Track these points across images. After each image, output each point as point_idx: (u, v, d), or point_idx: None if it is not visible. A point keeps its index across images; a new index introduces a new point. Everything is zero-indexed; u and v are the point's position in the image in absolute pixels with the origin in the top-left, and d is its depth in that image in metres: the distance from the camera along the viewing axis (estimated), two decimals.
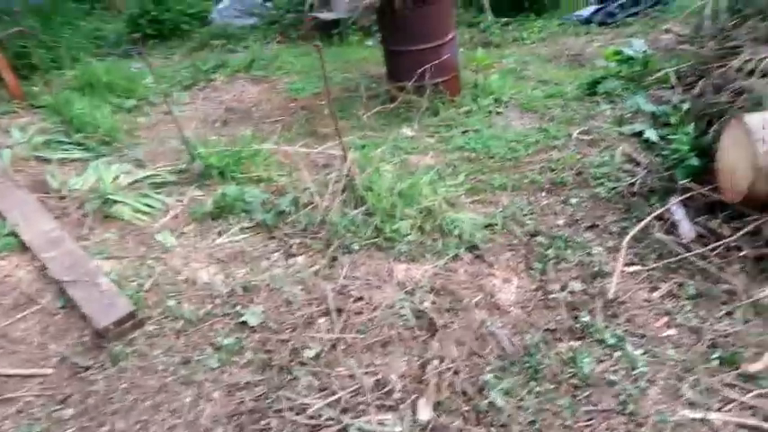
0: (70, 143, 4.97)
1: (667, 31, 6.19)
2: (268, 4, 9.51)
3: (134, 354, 2.65)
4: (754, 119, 2.64)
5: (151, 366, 2.58)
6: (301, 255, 3.21)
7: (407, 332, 2.57)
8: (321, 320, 2.70)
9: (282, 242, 3.34)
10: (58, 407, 2.45)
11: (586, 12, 7.72)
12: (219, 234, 3.50)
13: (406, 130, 4.89)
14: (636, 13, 7.47)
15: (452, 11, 5.35)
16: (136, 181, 4.15)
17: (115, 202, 3.84)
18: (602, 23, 7.43)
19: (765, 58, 3.21)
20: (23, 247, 3.50)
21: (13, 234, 3.58)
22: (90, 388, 2.51)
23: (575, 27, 7.56)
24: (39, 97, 6.26)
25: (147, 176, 4.21)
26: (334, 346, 2.53)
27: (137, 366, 2.59)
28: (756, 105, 3.03)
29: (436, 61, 5.04)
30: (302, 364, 2.47)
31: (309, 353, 2.50)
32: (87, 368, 2.61)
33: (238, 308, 2.84)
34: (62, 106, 5.36)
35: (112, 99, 6.11)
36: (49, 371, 2.64)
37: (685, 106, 3.59)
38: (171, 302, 2.92)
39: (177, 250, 3.37)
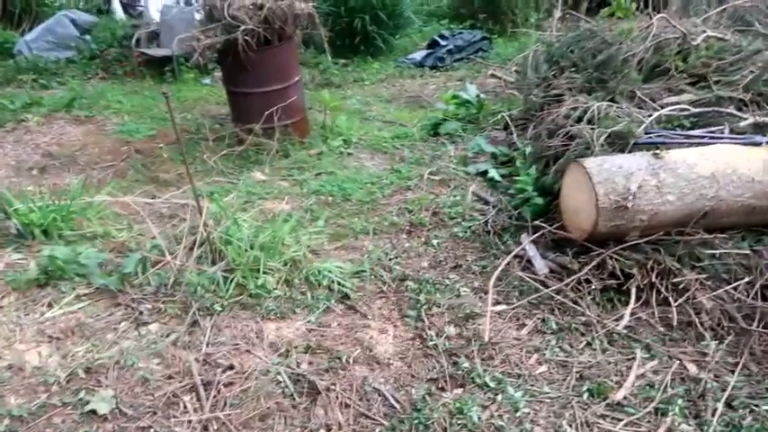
0: None
1: (492, 76, 6.77)
2: (87, 37, 8.70)
3: None
4: (592, 163, 2.92)
5: None
6: (154, 322, 2.86)
7: (287, 400, 2.38)
8: (186, 398, 2.40)
9: (130, 309, 2.96)
10: None
11: (418, 55, 8.19)
12: (50, 305, 3.00)
13: (258, 174, 4.70)
14: (461, 59, 8.09)
15: (297, 53, 5.32)
16: None
17: None
18: (433, 67, 7.94)
19: (589, 106, 3.60)
20: None
21: None
22: None
23: (409, 69, 7.97)
24: None
25: None
26: (205, 428, 2.25)
27: None
28: (586, 149, 3.37)
29: (283, 103, 4.97)
30: None
31: None
32: None
33: (82, 394, 2.42)
34: None
35: None
36: None
37: (528, 149, 3.89)
38: None
39: None
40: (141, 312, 2.91)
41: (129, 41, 8.37)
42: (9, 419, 2.33)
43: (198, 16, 8.54)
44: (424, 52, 8.22)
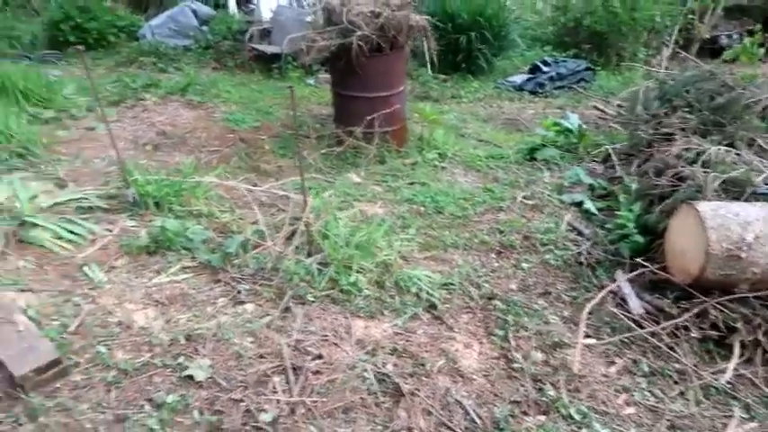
0: None
1: (595, 107, 6.64)
2: (204, 28, 9.23)
3: (56, 408, 2.31)
4: (706, 207, 2.82)
5: (77, 425, 2.26)
6: (251, 302, 3.00)
7: (371, 398, 2.43)
8: (276, 379, 2.50)
9: (229, 286, 3.11)
10: None
11: (518, 79, 8.14)
12: (157, 272, 3.20)
13: (353, 176, 4.82)
14: (562, 87, 7.97)
15: (405, 63, 5.43)
16: (57, 203, 3.75)
17: (33, 225, 3.43)
18: (532, 92, 7.86)
19: (704, 149, 3.48)
20: None
21: None
22: None
23: (508, 92, 7.93)
24: None
25: (71, 199, 3.82)
26: (293, 411, 2.34)
27: (60, 423, 2.25)
28: (696, 192, 3.25)
29: (386, 110, 5.07)
30: (258, 429, 2.25)
31: (266, 417, 2.29)
32: None
33: (181, 359, 2.58)
34: None
35: (28, 108, 5.58)
36: None
37: (633, 185, 3.79)
38: (101, 348, 2.59)
39: (108, 287, 3.04)
40: (239, 291, 3.05)
41: (242, 36, 8.81)
42: (116, 371, 2.51)
43: (309, 18, 8.89)
44: (524, 76, 8.16)
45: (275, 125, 6.12)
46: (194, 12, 9.40)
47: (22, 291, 2.94)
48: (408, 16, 5.03)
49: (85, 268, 3.16)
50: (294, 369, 2.54)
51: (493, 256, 3.66)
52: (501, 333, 2.88)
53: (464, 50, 8.07)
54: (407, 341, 2.78)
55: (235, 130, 5.90)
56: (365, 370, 2.55)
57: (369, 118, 5.03)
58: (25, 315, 2.66)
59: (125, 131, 5.69)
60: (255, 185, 4.57)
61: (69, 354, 2.54)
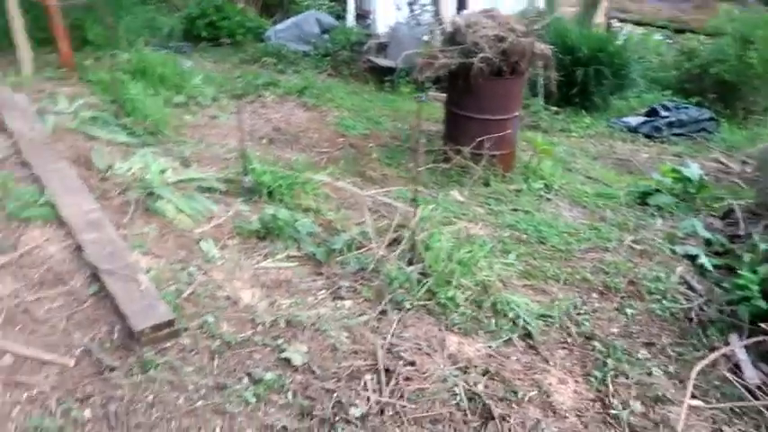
0: (117, 125, 4.84)
1: (716, 160, 6.29)
2: (325, 37, 9.61)
3: (165, 365, 2.45)
4: None
5: (181, 384, 2.38)
6: (349, 299, 3.06)
7: (459, 413, 2.40)
8: (368, 377, 2.53)
9: (330, 281, 3.20)
10: (76, 405, 2.24)
11: (634, 120, 7.85)
12: (265, 257, 3.35)
13: (456, 194, 4.83)
14: (681, 134, 7.60)
15: (522, 89, 5.40)
16: (182, 180, 4.01)
17: (160, 197, 3.68)
18: (647, 135, 7.55)
19: None
20: (59, 222, 3.32)
21: (50, 205, 3.40)
22: (113, 392, 2.30)
23: (621, 132, 7.67)
24: (88, 72, 6.18)
25: (194, 178, 4.07)
26: (382, 411, 2.35)
27: (166, 380, 2.39)
28: None
29: (498, 134, 5.05)
30: (347, 422, 2.29)
31: (355, 411, 2.32)
32: (113, 369, 2.40)
33: (281, 341, 2.67)
34: (115, 87, 5.25)
35: (162, 91, 6.03)
36: (71, 362, 2.43)
37: (763, 246, 3.54)
38: (209, 318, 2.73)
39: (220, 263, 3.21)
40: (340, 287, 3.12)
41: (359, 48, 9.10)
42: (220, 341, 2.63)
43: (426, 37, 9.05)
44: (640, 119, 7.86)
45: (383, 135, 6.26)
46: (318, 21, 9.82)
47: (145, 254, 3.16)
48: (533, 44, 5.01)
49: (202, 243, 3.35)
50: (387, 371, 2.55)
51: (594, 295, 3.53)
52: (599, 375, 2.76)
53: (579, 85, 7.90)
54: (500, 365, 2.73)
55: (345, 135, 6.09)
56: (456, 385, 2.52)
57: (479, 139, 5.03)
58: (147, 276, 2.85)
59: (244, 123, 5.99)
60: (361, 190, 4.68)
61: (181, 318, 2.69)
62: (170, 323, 2.57)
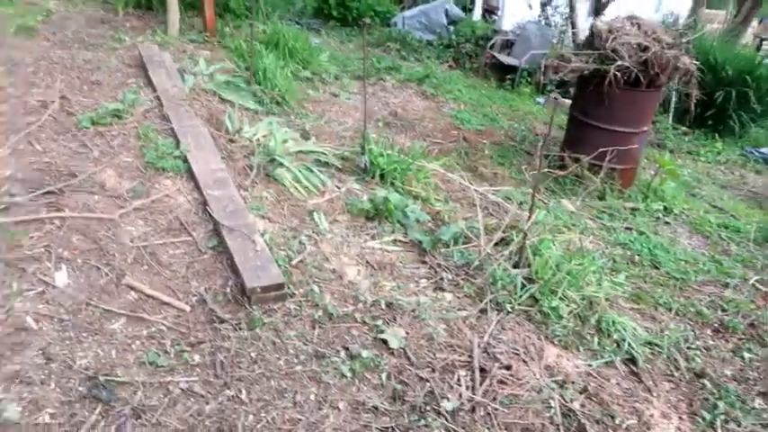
0: (248, 91, 5.07)
1: None
2: (451, 28, 9.56)
3: (270, 326, 2.56)
4: None
5: (283, 346, 2.48)
6: (450, 292, 3.04)
7: (552, 428, 2.33)
8: (462, 372, 2.51)
9: (433, 271, 3.19)
10: (188, 348, 2.39)
11: None
12: (372, 237, 3.40)
13: (568, 204, 4.65)
14: None
15: (657, 103, 5.09)
16: (301, 151, 4.14)
17: (280, 164, 3.82)
18: None
19: None
20: (189, 175, 3.54)
21: (182, 158, 3.63)
22: (222, 343, 2.43)
23: (756, 163, 7.06)
24: (226, 38, 6.51)
25: (313, 151, 4.20)
26: (473, 409, 2.33)
27: (270, 340, 2.49)
28: None
29: (623, 147, 4.78)
30: (438, 413, 2.28)
31: (447, 405, 2.31)
32: (223, 321, 2.54)
33: (379, 322, 2.70)
34: (250, 55, 5.49)
35: (291, 64, 6.24)
36: (187, 308, 2.59)
37: None
38: (315, 288, 2.82)
39: (329, 237, 3.29)
40: (442, 279, 3.11)
41: (484, 42, 8.97)
42: (322, 312, 2.71)
43: (555, 39, 8.75)
44: None
45: (498, 133, 6.14)
46: (446, 11, 9.77)
47: (262, 217, 3.30)
48: (678, 57, 4.69)
49: (315, 214, 3.45)
50: (482, 370, 2.52)
51: (708, 332, 3.29)
52: (708, 417, 2.57)
53: (716, 107, 7.34)
54: (600, 386, 2.61)
55: (459, 128, 6.04)
56: (551, 398, 2.44)
57: (602, 150, 4.79)
58: (262, 238, 2.98)
59: (362, 104, 6.10)
60: (470, 185, 4.62)
61: (289, 283, 2.79)
62: (279, 286, 2.68)
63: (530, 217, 3.20)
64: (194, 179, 3.47)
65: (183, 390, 2.19)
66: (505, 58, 8.47)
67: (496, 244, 3.43)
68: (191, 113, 4.19)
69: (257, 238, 2.94)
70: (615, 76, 4.60)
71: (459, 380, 2.46)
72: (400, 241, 3.41)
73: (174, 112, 4.13)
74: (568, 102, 7.62)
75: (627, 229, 4.42)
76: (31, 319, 2.35)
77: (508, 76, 8.23)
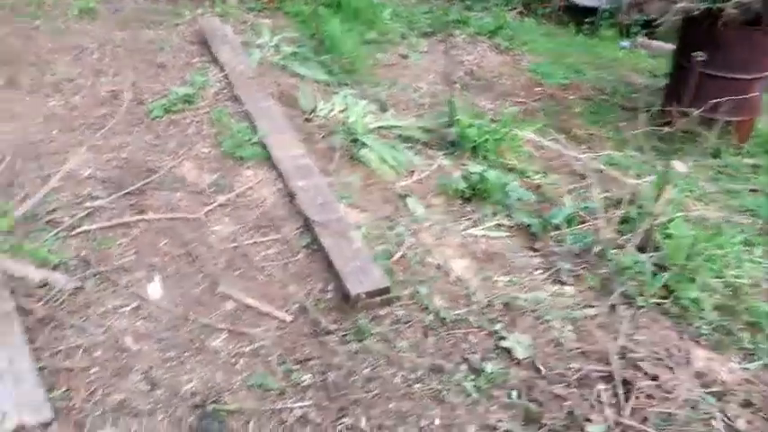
0: (316, 62, 4.75)
1: None
2: None
3: (379, 336, 2.32)
4: None
5: (397, 359, 2.24)
6: (571, 285, 2.70)
7: None
8: (601, 387, 2.20)
9: (547, 260, 2.86)
10: (296, 367, 2.18)
11: None
12: (473, 223, 3.08)
13: (679, 165, 4.15)
14: None
15: None
16: (383, 127, 3.82)
17: (363, 144, 3.53)
18: None
19: None
20: (269, 163, 3.30)
21: (261, 145, 3.39)
22: (331, 359, 2.21)
23: None
24: (286, 2, 6.15)
25: (395, 126, 3.86)
26: None
27: (382, 354, 2.25)
28: None
29: (742, 96, 4.21)
30: None
31: (593, 429, 2.02)
32: (329, 332, 2.31)
33: (498, 327, 2.41)
34: (314, 20, 5.15)
35: (356, 26, 5.84)
36: (288, 317, 2.38)
37: None
38: (422, 289, 2.55)
39: (427, 225, 3.00)
40: (559, 269, 2.77)
41: None
42: (433, 317, 2.44)
43: None
44: None
45: (585, 86, 5.60)
46: None
47: (352, 207, 3.03)
48: None
49: (408, 200, 3.16)
50: (624, 383, 2.20)
51: None
52: None
53: None
54: (764, 396, 2.24)
55: (542, 84, 5.53)
56: (712, 417, 2.11)
57: (715, 101, 4.24)
58: (358, 233, 2.72)
59: (434, 65, 5.67)
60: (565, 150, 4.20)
61: (393, 284, 2.52)
62: (385, 290, 2.42)
63: (660, 193, 2.79)
64: (276, 167, 3.23)
65: (297, 418, 1.99)
66: (581, 0, 7.74)
67: (621, 223, 3.04)
68: (262, 92, 3.93)
69: (353, 234, 2.69)
70: (733, 14, 3.99)
71: (599, 396, 2.16)
72: (504, 226, 3.08)
73: (245, 92, 3.87)
74: (657, 44, 6.93)
75: (752, 191, 3.91)
76: (130, 339, 2.19)
77: (586, 20, 7.53)
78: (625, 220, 3.02)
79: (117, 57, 4.44)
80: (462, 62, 5.89)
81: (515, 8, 8.13)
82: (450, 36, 6.55)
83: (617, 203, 3.15)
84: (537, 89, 5.44)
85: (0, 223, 2.39)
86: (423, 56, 5.81)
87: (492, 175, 3.25)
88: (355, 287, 2.39)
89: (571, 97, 5.31)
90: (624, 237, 2.86)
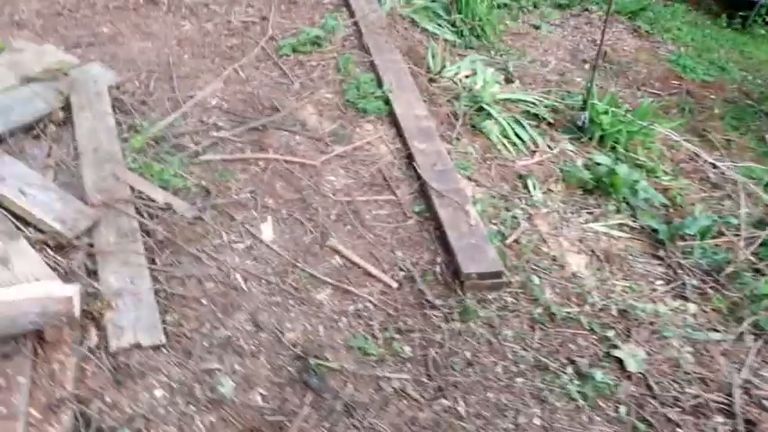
0: (447, 20, 4.56)
1: None
2: None
3: (484, 320, 2.23)
4: None
5: (500, 348, 2.15)
6: (694, 303, 2.49)
7: None
8: (718, 419, 2.03)
9: (671, 270, 2.64)
10: (397, 336, 2.14)
11: None
12: (594, 217, 2.89)
13: None
14: None
15: None
16: (509, 99, 3.63)
17: (488, 115, 3.36)
18: None
19: None
20: (391, 120, 3.22)
21: (384, 100, 3.30)
22: (433, 335, 2.16)
23: None
24: None
25: (522, 100, 3.66)
26: None
27: (485, 338, 2.17)
28: None
29: None
30: None
31: None
32: (434, 306, 2.25)
33: (611, 334, 2.26)
34: None
35: None
36: (394, 284, 2.33)
37: None
38: (534, 278, 2.42)
39: (544, 211, 2.84)
40: (683, 284, 2.56)
41: None
42: (542, 310, 2.32)
43: None
44: None
45: (730, 87, 5.10)
46: None
47: (469, 179, 2.92)
48: None
49: (528, 181, 3.00)
50: (747, 422, 2.01)
51: None
52: None
53: None
54: None
55: (681, 78, 5.08)
56: None
57: None
58: (474, 209, 2.61)
59: (565, 40, 5.34)
60: (696, 154, 3.86)
61: (504, 269, 2.41)
62: (496, 274, 2.31)
63: None
64: (397, 125, 3.14)
65: (395, 390, 1.96)
66: None
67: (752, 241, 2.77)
68: (390, 45, 3.81)
69: (470, 209, 2.58)
70: None
71: (716, 430, 1.98)
72: (627, 226, 2.87)
73: (374, 43, 3.78)
74: None
75: None
76: (240, 277, 2.22)
77: (740, 13, 6.81)
78: (766, 243, 2.74)
79: None
80: (594, 41, 5.50)
81: None
82: (585, 11, 6.14)
83: (758, 223, 2.85)
84: (674, 82, 5.00)
85: (134, 143, 2.45)
86: (554, 29, 5.48)
87: (623, 170, 3.02)
88: (467, 265, 2.30)
89: (712, 97, 4.85)
90: (764, 262, 2.58)
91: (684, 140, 3.91)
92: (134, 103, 2.90)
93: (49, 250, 2.01)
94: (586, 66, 4.96)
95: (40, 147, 2.43)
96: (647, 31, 5.85)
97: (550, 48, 5.04)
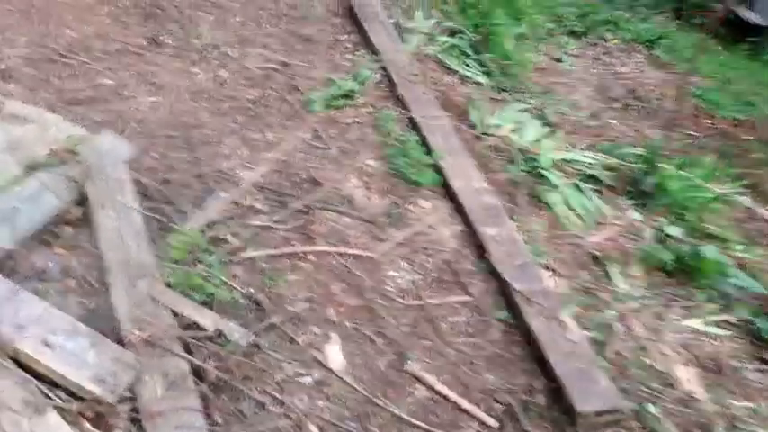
0: (474, 59, 4.21)
1: None
2: None
3: None
4: None
5: None
6: None
7: None
8: None
9: None
10: None
11: None
12: (687, 311, 2.57)
13: None
14: None
15: None
16: (565, 160, 3.29)
17: (550, 184, 3.02)
18: None
19: None
20: (445, 192, 2.85)
21: (435, 167, 2.92)
22: None
23: None
24: None
25: (577, 161, 3.33)
26: None
27: None
28: None
29: None
30: None
31: None
32: None
33: None
34: (476, 12, 4.57)
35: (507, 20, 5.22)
36: (494, 423, 1.96)
37: None
38: (649, 407, 2.08)
39: (633, 306, 2.51)
40: None
41: None
42: None
43: None
44: None
45: (763, 126, 4.89)
46: None
47: (547, 268, 2.56)
48: None
49: (607, 265, 2.66)
50: None
51: None
52: None
53: None
54: None
55: (712, 117, 4.85)
56: None
57: None
58: (569, 314, 2.26)
59: (588, 74, 5.06)
60: (751, 210, 3.61)
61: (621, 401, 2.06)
62: (614, 411, 1.96)
63: None
64: (454, 200, 2.77)
65: None
66: (747, 14, 6.87)
67: None
68: (429, 97, 3.45)
69: (566, 318, 2.22)
70: None
71: None
72: (724, 322, 2.56)
73: (410, 95, 3.40)
74: None
75: None
76: (315, 428, 1.81)
77: (750, 38, 6.68)
78: None
79: (260, 22, 4.01)
80: (616, 73, 5.24)
81: (663, 11, 7.32)
82: (601, 39, 5.88)
83: None
84: (706, 121, 4.77)
85: (174, 253, 2.01)
86: (575, 60, 5.18)
87: (710, 252, 2.72)
88: (581, 401, 1.94)
89: (748, 137, 4.63)
90: None
91: (736, 194, 3.65)
92: (156, 185, 2.44)
93: (86, 422, 1.57)
94: (616, 104, 4.69)
95: (53, 258, 1.97)
96: (668, 62, 5.62)
97: (576, 84, 4.75)
